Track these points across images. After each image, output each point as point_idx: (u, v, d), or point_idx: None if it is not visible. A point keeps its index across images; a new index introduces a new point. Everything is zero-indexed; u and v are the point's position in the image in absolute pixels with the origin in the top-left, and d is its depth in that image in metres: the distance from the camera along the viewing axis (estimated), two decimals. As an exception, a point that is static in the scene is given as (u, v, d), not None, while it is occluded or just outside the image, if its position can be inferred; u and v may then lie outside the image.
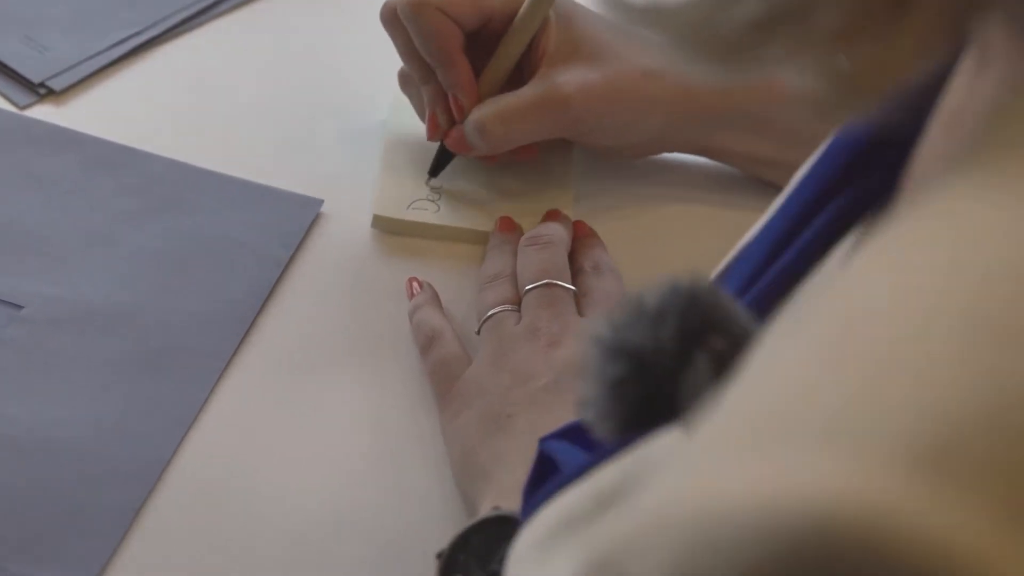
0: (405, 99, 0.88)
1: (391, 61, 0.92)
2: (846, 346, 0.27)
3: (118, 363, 0.73)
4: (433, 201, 0.82)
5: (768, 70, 0.36)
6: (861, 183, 0.49)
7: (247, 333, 0.75)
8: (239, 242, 0.79)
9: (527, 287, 0.73)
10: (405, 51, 0.81)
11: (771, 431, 0.26)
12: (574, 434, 0.54)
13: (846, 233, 0.48)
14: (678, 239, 0.84)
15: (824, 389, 0.26)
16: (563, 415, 0.66)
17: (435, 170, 0.83)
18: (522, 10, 0.79)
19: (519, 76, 0.81)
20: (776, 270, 0.50)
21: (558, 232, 0.77)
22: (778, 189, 0.83)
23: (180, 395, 0.71)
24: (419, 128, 0.86)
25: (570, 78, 0.79)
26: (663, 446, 0.40)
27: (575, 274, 0.75)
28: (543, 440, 0.54)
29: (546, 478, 0.52)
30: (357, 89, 0.91)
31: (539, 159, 0.85)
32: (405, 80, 0.84)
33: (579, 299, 0.74)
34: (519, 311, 0.73)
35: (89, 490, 0.67)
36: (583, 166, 0.87)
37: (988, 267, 0.27)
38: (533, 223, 0.80)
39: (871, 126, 0.46)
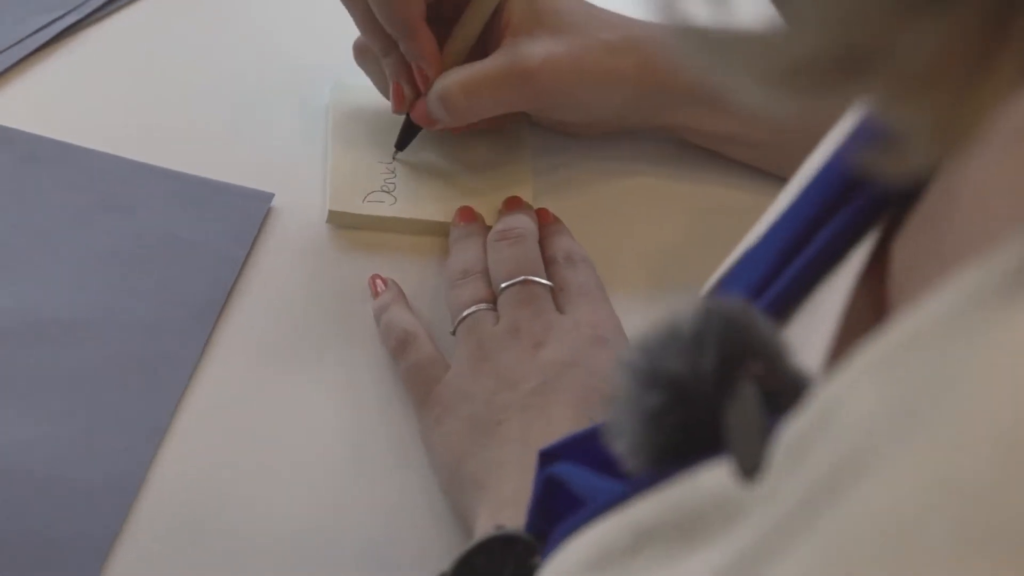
0: (346, 83, 0.85)
1: (333, 40, 0.89)
2: None
3: (78, 377, 0.69)
4: (388, 192, 0.80)
5: (843, 104, 0.35)
6: (876, 185, 0.48)
7: (209, 338, 0.72)
8: (191, 242, 0.76)
9: (503, 285, 0.71)
10: (364, 22, 0.78)
11: (956, 539, 0.25)
12: (576, 449, 0.53)
13: (866, 234, 0.47)
14: (635, 215, 0.83)
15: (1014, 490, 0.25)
16: (554, 420, 0.65)
17: (401, 143, 0.81)
18: None
19: (481, 48, 0.79)
20: (791, 274, 0.49)
21: (527, 224, 0.75)
22: (739, 164, 0.83)
23: (147, 408, 0.68)
24: (365, 113, 0.84)
25: (536, 50, 0.77)
26: (712, 484, 0.39)
27: (547, 265, 0.74)
28: (545, 459, 0.53)
29: (555, 502, 0.51)
30: (298, 71, 0.88)
31: (491, 142, 0.83)
32: (362, 53, 0.81)
33: (555, 293, 0.72)
34: (495, 309, 0.71)
35: (61, 518, 0.64)
36: (533, 141, 0.85)
37: None
38: (492, 210, 0.79)
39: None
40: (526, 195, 0.80)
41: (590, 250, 0.77)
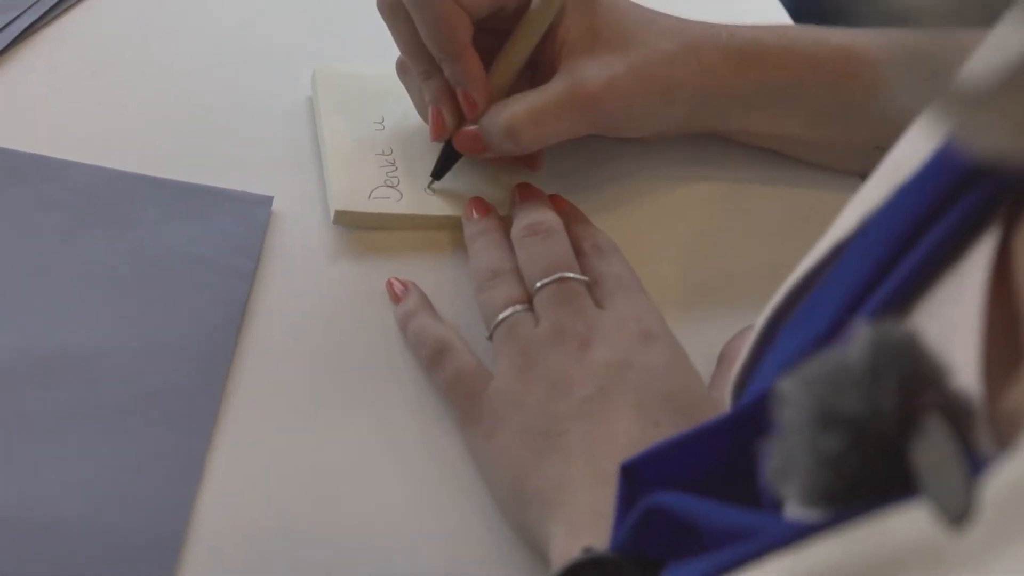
0: (327, 71, 0.81)
1: (308, 27, 0.85)
2: None
3: (100, 415, 0.64)
4: (393, 187, 0.76)
5: None
6: (994, 178, 0.46)
7: (230, 361, 0.68)
8: (195, 255, 0.72)
9: (538, 284, 0.68)
10: (407, 42, 0.74)
11: None
12: (659, 462, 0.51)
13: (985, 228, 0.45)
14: (681, 214, 0.80)
15: None
16: (617, 428, 0.62)
17: (439, 173, 0.76)
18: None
19: (530, 68, 0.75)
20: (904, 271, 0.47)
21: (552, 216, 0.72)
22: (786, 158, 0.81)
23: (180, 443, 0.64)
24: (353, 99, 0.80)
25: (597, 73, 0.73)
26: (907, 529, 0.37)
27: (576, 256, 0.71)
28: (626, 473, 0.51)
29: (652, 527, 0.49)
30: (274, 62, 0.83)
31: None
32: (404, 70, 0.77)
33: (590, 287, 0.69)
34: (531, 310, 0.68)
35: (107, 572, 0.59)
36: (584, 152, 0.82)
37: None
38: (502, 198, 0.75)
39: None
40: (532, 175, 0.77)
41: (637, 252, 0.74)
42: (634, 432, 0.62)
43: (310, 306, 0.72)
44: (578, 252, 0.71)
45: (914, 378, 0.38)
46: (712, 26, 0.77)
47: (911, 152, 0.51)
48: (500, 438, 0.64)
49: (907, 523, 0.37)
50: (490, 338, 0.68)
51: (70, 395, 0.65)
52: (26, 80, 0.80)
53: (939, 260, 0.45)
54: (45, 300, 0.69)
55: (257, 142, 0.79)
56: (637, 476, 0.51)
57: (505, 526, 0.64)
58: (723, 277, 0.77)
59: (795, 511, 0.41)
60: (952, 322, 0.42)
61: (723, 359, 0.70)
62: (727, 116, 0.79)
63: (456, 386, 0.67)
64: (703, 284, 0.76)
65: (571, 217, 0.74)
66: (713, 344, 0.70)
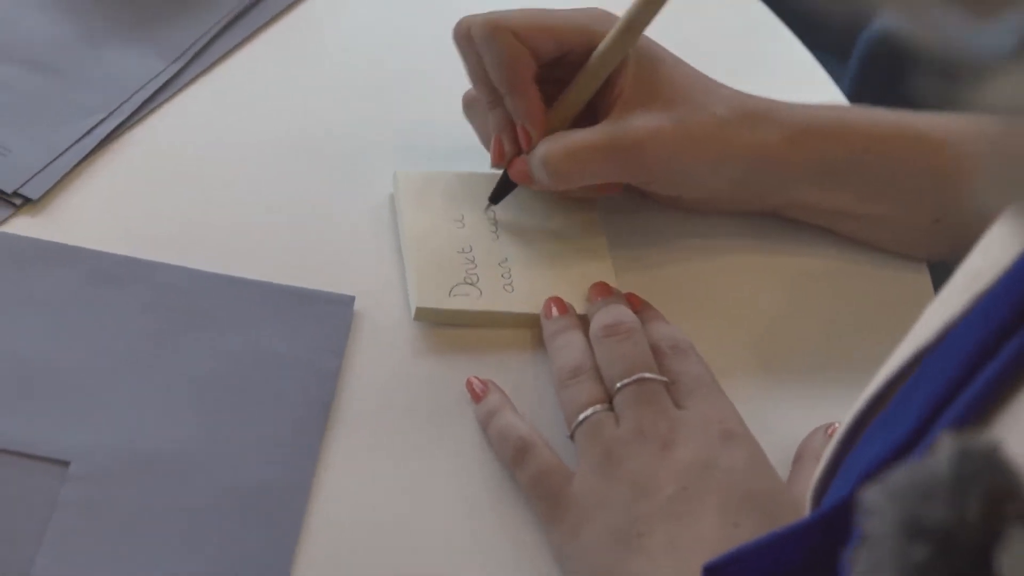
0: (408, 171, 0.83)
1: (384, 127, 0.87)
2: None
3: (192, 514, 0.66)
4: (472, 284, 0.78)
5: None
6: None
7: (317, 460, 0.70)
8: (283, 355, 0.73)
9: (618, 384, 0.69)
10: (475, 73, 0.79)
11: None
12: (742, 565, 0.51)
13: None
14: (730, 292, 0.82)
15: None
16: (702, 529, 0.63)
17: (496, 197, 0.81)
18: (601, 47, 0.77)
19: (590, 113, 0.78)
20: (976, 389, 0.48)
21: (630, 317, 0.73)
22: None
23: (269, 544, 0.66)
24: (434, 201, 0.82)
25: (645, 123, 0.76)
26: None
27: (654, 357, 0.72)
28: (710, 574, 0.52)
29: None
30: (356, 164, 0.85)
31: (564, 219, 0.81)
32: (469, 104, 0.81)
33: (668, 387, 0.70)
34: (611, 410, 0.69)
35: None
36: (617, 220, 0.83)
37: None
38: (578, 295, 0.77)
39: None
40: (607, 274, 0.79)
41: (705, 342, 0.75)
42: (716, 533, 0.63)
43: (393, 402, 0.73)
44: (656, 351, 0.72)
45: (998, 489, 0.39)
46: (771, 101, 0.79)
47: (992, 259, 0.51)
48: (584, 537, 0.65)
49: None
50: (571, 437, 0.69)
51: (165, 494, 0.67)
52: (111, 182, 0.82)
53: (1019, 371, 0.46)
54: (136, 400, 0.71)
55: (341, 242, 0.81)
56: None
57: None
58: (794, 370, 0.78)
59: None
60: None
61: (800, 458, 0.71)
62: (776, 189, 0.80)
63: (539, 485, 0.68)
64: (774, 377, 0.77)
65: (647, 315, 0.75)
66: (786, 440, 0.71)
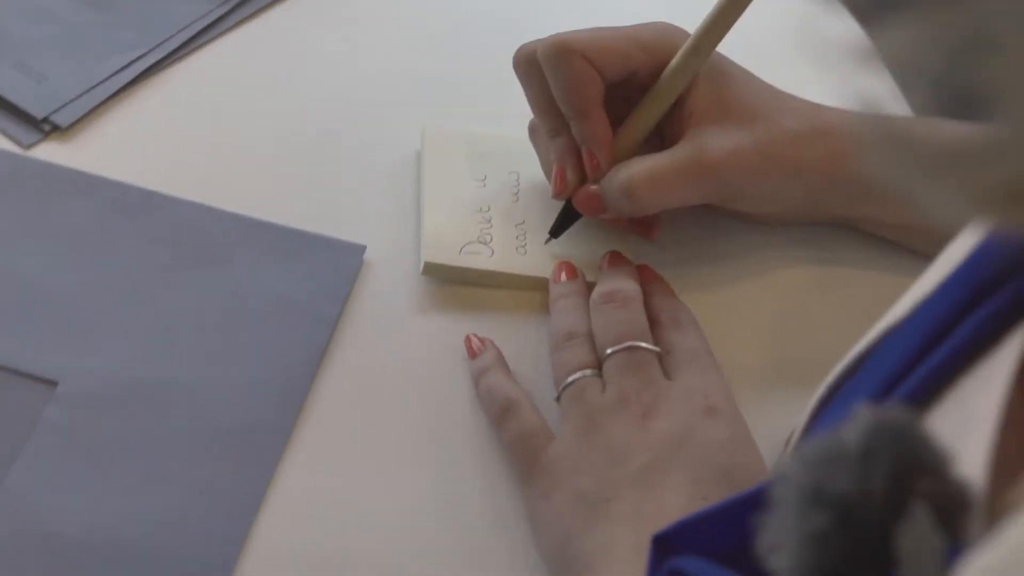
0: (437, 126, 0.82)
1: (417, 84, 0.87)
2: None
3: (170, 445, 0.66)
4: (485, 243, 0.77)
5: None
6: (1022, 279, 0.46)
7: (302, 403, 0.70)
8: (285, 298, 0.73)
9: (608, 351, 0.68)
10: (538, 100, 0.76)
11: None
12: (691, 535, 0.50)
13: (1009, 330, 0.44)
14: (752, 291, 0.79)
15: None
16: (667, 500, 0.62)
17: (557, 231, 0.77)
18: (671, 67, 0.74)
19: (657, 135, 0.76)
20: (934, 363, 0.47)
21: (632, 286, 0.72)
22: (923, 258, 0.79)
23: (243, 479, 0.66)
24: (458, 158, 0.81)
25: (721, 143, 0.73)
26: None
27: (651, 326, 0.70)
28: (659, 544, 0.50)
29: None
30: (386, 118, 0.85)
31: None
32: (534, 132, 0.79)
33: (661, 357, 0.69)
34: (600, 376, 0.68)
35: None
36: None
37: None
38: (592, 264, 0.76)
39: None
40: (624, 245, 0.77)
41: (722, 337, 0.73)
42: (683, 505, 0.61)
43: (388, 354, 0.73)
44: (655, 323, 0.71)
45: (908, 463, 0.39)
46: (842, 112, 0.76)
47: (962, 244, 0.50)
48: (555, 499, 0.64)
49: None
50: (558, 399, 0.68)
51: (143, 423, 0.67)
52: (142, 117, 0.83)
53: (970, 352, 0.45)
54: (135, 329, 0.71)
55: (363, 192, 0.81)
56: (670, 547, 0.50)
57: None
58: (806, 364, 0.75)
59: None
60: (973, 414, 0.42)
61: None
62: (848, 202, 0.78)
63: (520, 444, 0.67)
64: (788, 367, 0.75)
65: (655, 288, 0.74)
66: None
